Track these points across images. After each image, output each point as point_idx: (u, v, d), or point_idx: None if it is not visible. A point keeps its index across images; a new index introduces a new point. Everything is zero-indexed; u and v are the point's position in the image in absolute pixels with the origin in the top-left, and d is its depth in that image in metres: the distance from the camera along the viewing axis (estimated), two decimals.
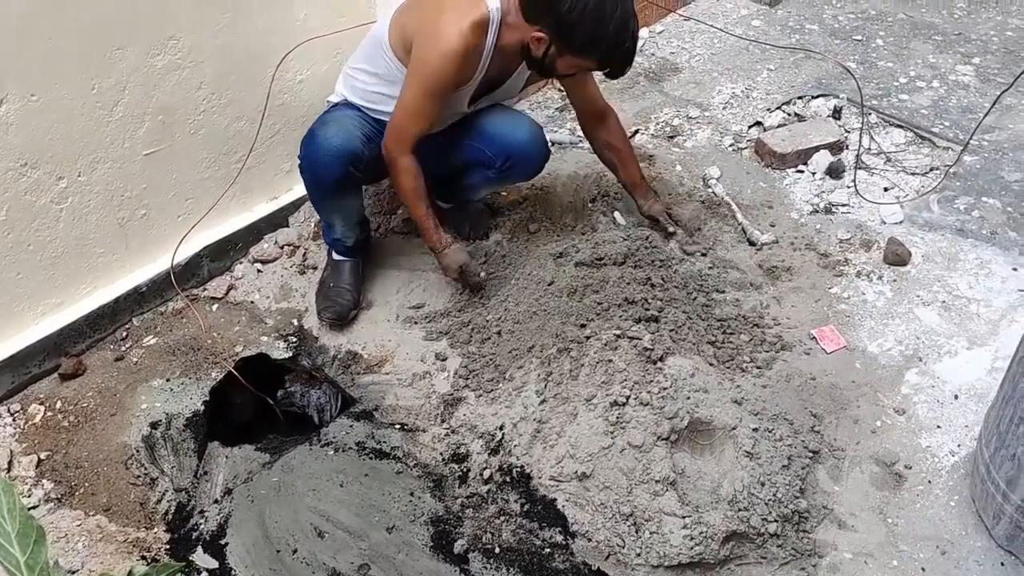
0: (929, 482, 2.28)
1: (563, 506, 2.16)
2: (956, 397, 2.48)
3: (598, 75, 2.60)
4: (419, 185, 2.53)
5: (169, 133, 2.60)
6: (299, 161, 2.59)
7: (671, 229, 2.91)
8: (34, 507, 2.23)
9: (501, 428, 2.32)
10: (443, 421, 2.42)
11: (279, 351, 2.68)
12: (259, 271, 2.90)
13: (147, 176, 2.61)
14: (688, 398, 2.21)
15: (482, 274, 2.71)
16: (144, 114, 2.52)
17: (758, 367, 2.48)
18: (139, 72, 2.45)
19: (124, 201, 2.59)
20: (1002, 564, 2.11)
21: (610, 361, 2.28)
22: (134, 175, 2.58)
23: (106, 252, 2.62)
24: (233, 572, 2.15)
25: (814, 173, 3.30)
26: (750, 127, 3.54)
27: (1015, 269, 2.88)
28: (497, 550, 2.16)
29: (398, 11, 2.50)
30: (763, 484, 2.15)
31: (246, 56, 2.68)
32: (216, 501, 2.32)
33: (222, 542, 2.21)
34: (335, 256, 2.79)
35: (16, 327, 2.51)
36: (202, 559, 2.17)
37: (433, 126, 2.50)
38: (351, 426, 2.47)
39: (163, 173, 2.65)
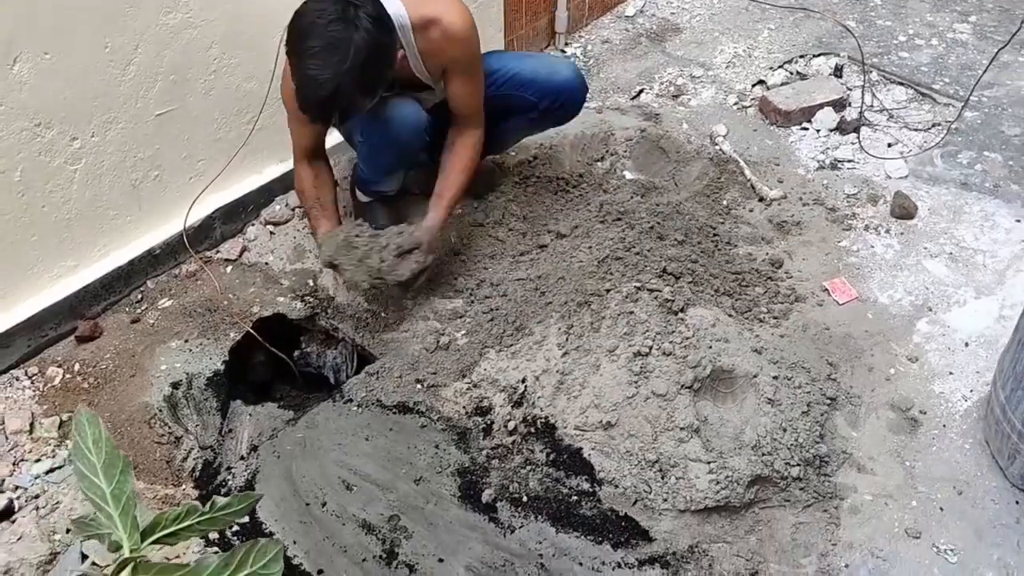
0: (944, 426, 2.32)
1: (589, 455, 2.18)
2: (967, 345, 2.53)
3: None
4: (305, 186, 2.59)
5: (181, 93, 2.59)
6: (365, 142, 2.59)
7: (415, 258, 2.48)
8: (59, 467, 2.23)
9: (523, 381, 2.34)
10: (464, 376, 2.43)
11: (296, 311, 2.68)
12: (271, 233, 2.89)
13: (160, 137, 2.59)
14: (710, 347, 2.24)
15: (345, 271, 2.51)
16: (157, 73, 2.50)
17: (775, 318, 2.51)
18: (151, 30, 2.43)
19: (137, 162, 2.57)
20: (1017, 502, 2.16)
21: (631, 313, 2.30)
22: (147, 136, 2.56)
23: (120, 214, 2.61)
24: (264, 525, 2.16)
25: (819, 130, 3.33)
26: (753, 86, 3.56)
27: (1018, 220, 2.93)
28: (524, 499, 2.19)
29: None
30: (785, 430, 2.19)
31: (256, 15, 2.65)
32: (242, 458, 2.33)
33: None
34: (365, 198, 2.81)
35: (31, 289, 2.50)
36: None
37: (312, 142, 2.58)
38: (373, 383, 2.47)
39: (175, 134, 2.63)
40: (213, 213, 2.81)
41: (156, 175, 2.64)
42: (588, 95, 2.82)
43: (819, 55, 3.71)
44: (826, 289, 2.67)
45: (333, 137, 2.90)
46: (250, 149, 2.81)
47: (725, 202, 2.97)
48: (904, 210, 2.93)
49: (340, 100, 2.15)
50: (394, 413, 2.40)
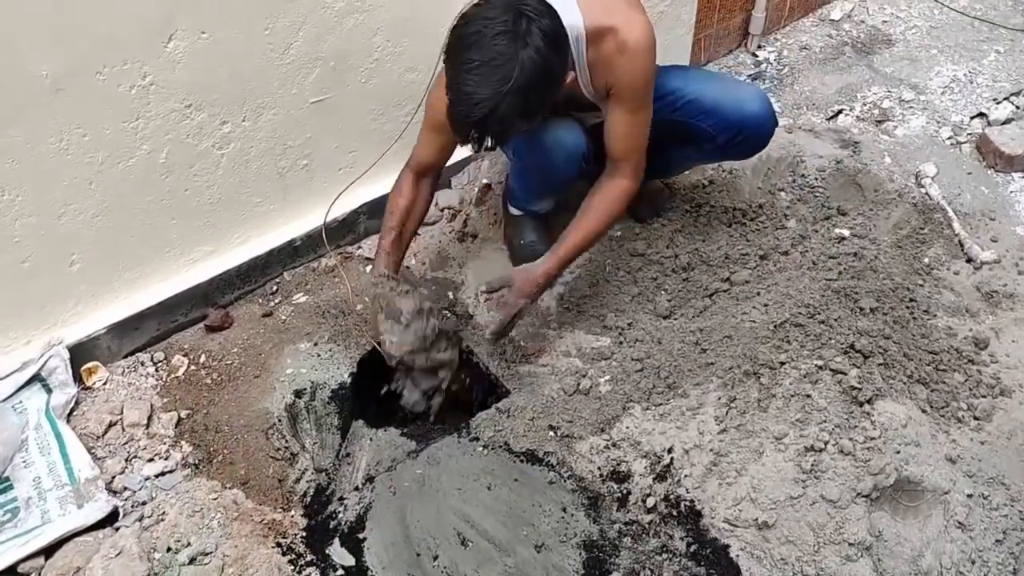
0: None
1: (737, 555, 1.91)
2: None
3: None
4: (399, 205, 2.30)
5: (340, 81, 2.41)
6: (517, 161, 2.40)
7: (488, 319, 2.43)
8: (170, 471, 2.13)
9: (670, 451, 2.07)
10: (602, 431, 2.19)
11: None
12: (417, 233, 2.70)
13: (312, 125, 2.44)
14: (897, 452, 1.91)
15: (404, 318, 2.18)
16: (316, 59, 2.33)
17: (975, 418, 2.14)
18: (315, 13, 2.26)
19: (287, 150, 2.43)
20: None
21: (808, 396, 1.99)
22: (299, 123, 2.41)
23: (263, 202, 2.48)
24: (370, 572, 2.00)
25: None
26: (972, 119, 3.10)
27: None
28: None
29: None
30: (974, 562, 1.86)
31: (427, 1, 2.44)
32: (357, 488, 2.17)
33: (360, 536, 2.07)
34: (516, 211, 2.62)
35: (166, 273, 2.41)
36: (338, 553, 2.02)
37: (434, 159, 2.32)
38: (502, 421, 2.26)
39: (329, 123, 2.47)
40: (359, 208, 2.65)
41: (305, 164, 2.49)
42: (779, 112, 2.47)
43: None
44: None
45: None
46: (404, 143, 2.60)
47: (926, 259, 2.57)
48: None
49: (494, 123, 1.87)
50: (521, 461, 2.18)
